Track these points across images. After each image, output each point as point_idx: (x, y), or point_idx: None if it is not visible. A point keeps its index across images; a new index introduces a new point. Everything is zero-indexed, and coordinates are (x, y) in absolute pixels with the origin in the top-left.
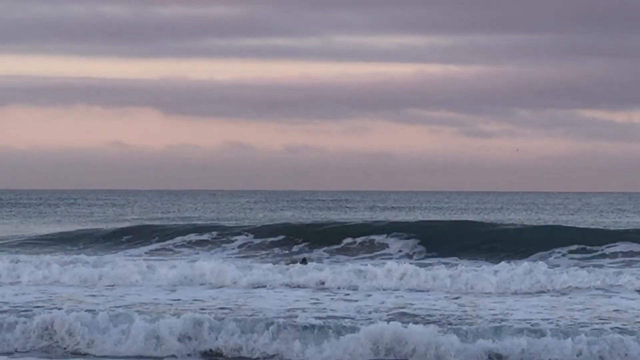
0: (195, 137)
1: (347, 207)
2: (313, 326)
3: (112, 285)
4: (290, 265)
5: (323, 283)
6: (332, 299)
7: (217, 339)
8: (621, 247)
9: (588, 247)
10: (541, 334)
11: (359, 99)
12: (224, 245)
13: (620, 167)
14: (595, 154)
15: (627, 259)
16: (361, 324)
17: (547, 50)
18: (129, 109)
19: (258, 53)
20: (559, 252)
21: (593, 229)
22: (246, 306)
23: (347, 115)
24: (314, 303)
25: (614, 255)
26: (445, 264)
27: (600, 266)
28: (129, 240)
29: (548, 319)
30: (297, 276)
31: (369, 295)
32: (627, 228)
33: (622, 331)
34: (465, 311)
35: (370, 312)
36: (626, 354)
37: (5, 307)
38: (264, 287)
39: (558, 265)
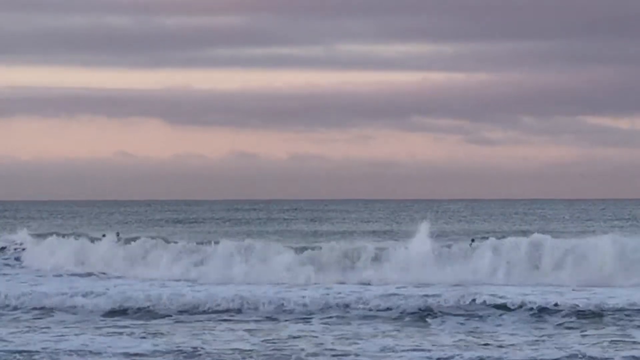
0: (199, 147)
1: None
2: None
3: None
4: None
5: None
6: None
7: None
8: None
9: None
10: None
11: (363, 108)
12: None
13: (625, 174)
14: (600, 160)
15: None
16: None
17: (551, 57)
18: (134, 119)
19: (262, 62)
20: None
21: None
22: None
23: (352, 124)
24: None
25: None
26: None
27: None
28: None
29: None
30: None
31: None
32: None
33: None
34: None
35: None
36: None
37: None
38: None
39: None
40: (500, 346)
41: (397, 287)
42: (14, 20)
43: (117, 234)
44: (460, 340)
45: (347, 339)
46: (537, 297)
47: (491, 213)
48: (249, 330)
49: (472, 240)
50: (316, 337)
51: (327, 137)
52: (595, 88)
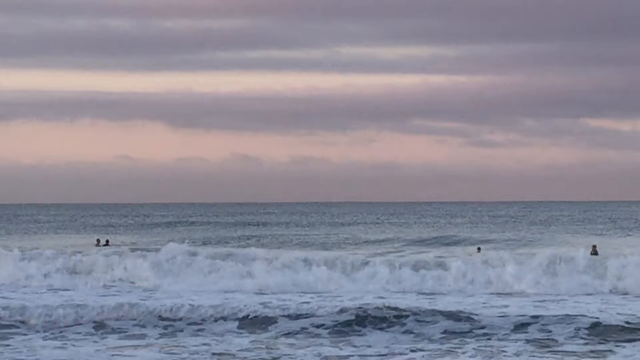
0: (201, 150)
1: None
2: None
3: None
4: None
5: None
6: None
7: None
8: None
9: None
10: None
11: (364, 110)
12: None
13: (626, 176)
14: (601, 163)
15: None
16: None
17: (552, 59)
18: (135, 122)
19: (263, 65)
20: None
21: None
22: None
23: (353, 127)
24: None
25: None
26: None
27: None
28: None
29: None
30: None
31: None
32: None
33: None
34: None
35: None
36: None
37: None
38: None
39: None
40: None
41: None
42: (15, 24)
43: (107, 241)
44: None
45: None
46: None
47: (494, 215)
48: None
49: (479, 249)
50: None
51: (329, 140)
52: (597, 90)
